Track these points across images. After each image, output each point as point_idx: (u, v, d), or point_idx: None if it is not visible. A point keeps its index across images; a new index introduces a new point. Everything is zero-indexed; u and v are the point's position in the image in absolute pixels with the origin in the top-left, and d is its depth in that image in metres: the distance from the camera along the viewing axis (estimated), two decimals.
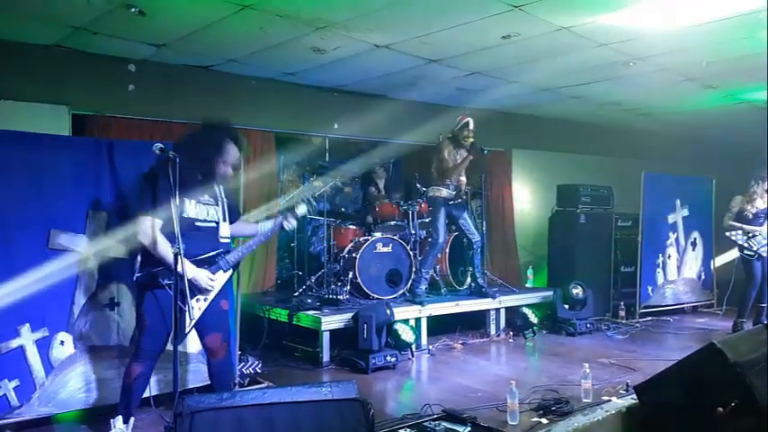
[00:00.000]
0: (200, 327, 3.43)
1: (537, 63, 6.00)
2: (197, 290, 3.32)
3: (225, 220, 3.52)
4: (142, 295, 3.34)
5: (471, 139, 6.02)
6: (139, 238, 3.24)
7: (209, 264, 3.39)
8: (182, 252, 3.07)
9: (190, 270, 3.25)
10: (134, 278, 3.33)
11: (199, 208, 3.39)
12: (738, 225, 6.27)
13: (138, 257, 3.32)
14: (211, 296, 3.40)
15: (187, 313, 3.21)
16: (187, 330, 3.27)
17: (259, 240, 3.70)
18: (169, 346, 3.33)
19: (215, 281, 3.38)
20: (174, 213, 3.12)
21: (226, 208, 3.54)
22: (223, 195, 3.55)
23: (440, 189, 6.10)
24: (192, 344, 4.12)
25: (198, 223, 3.37)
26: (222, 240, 3.49)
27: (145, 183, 3.34)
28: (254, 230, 3.75)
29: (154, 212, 3.22)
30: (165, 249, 3.20)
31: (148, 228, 3.21)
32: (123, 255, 3.92)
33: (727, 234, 6.34)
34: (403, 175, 8.16)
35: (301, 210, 3.73)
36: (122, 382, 3.43)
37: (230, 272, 3.50)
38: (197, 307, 3.32)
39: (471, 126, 6.05)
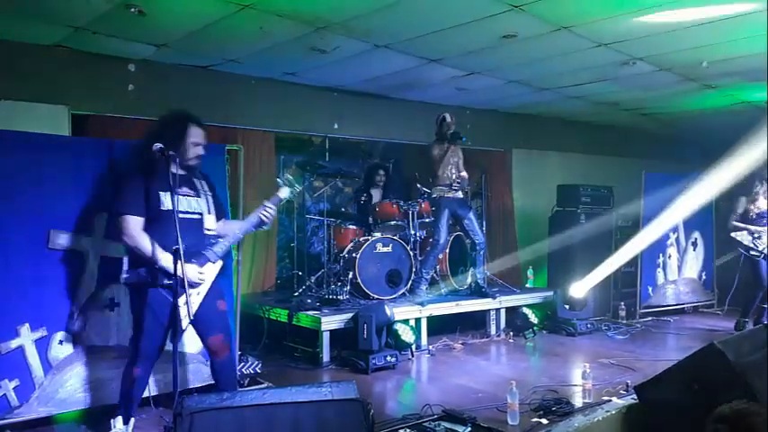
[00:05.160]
0: (201, 328, 3.42)
1: (537, 63, 5.99)
2: (189, 285, 3.26)
3: (210, 213, 3.47)
4: (135, 296, 3.32)
5: (450, 131, 6.10)
6: (123, 238, 3.22)
7: (196, 257, 3.32)
8: (182, 250, 3.04)
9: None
10: (121, 280, 3.30)
11: (179, 200, 3.25)
12: (743, 225, 6.28)
13: (126, 258, 3.29)
14: (204, 289, 3.34)
15: (183, 310, 3.17)
16: (184, 327, 3.23)
17: (245, 229, 3.55)
18: (168, 346, 3.32)
19: (204, 273, 3.33)
20: (174, 212, 3.12)
21: (210, 201, 3.48)
22: (206, 189, 3.50)
23: (444, 189, 6.11)
24: (192, 344, 4.12)
25: (180, 215, 3.25)
26: (208, 233, 3.45)
27: (120, 182, 3.32)
28: (239, 223, 3.64)
29: (132, 210, 3.20)
30: (147, 248, 3.17)
31: (129, 227, 3.19)
32: (123, 255, 3.92)
33: (732, 235, 6.34)
34: (403, 175, 8.16)
35: (283, 193, 3.56)
36: (121, 384, 3.42)
37: (220, 263, 3.42)
38: (191, 302, 3.25)
39: (448, 119, 6.17)
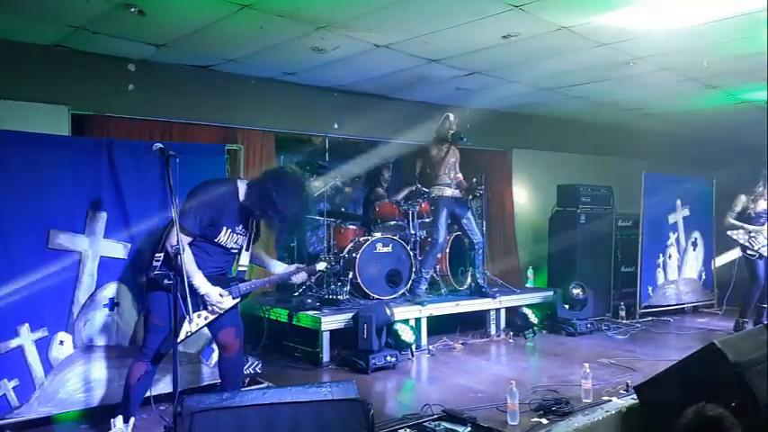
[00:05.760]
0: (213, 323, 3.46)
1: (537, 63, 5.99)
2: (203, 305, 3.35)
3: (247, 250, 3.57)
4: (153, 295, 3.35)
5: (451, 131, 6.09)
6: (167, 244, 3.26)
7: (223, 285, 3.43)
8: (182, 251, 3.08)
9: (204, 286, 3.30)
10: (150, 274, 3.30)
11: (231, 237, 3.44)
12: (740, 224, 6.28)
13: (161, 255, 3.30)
14: (213, 316, 3.42)
15: (187, 322, 3.22)
16: (181, 338, 3.26)
17: (274, 281, 3.88)
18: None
19: (223, 303, 3.41)
20: (174, 214, 3.13)
21: (251, 237, 3.59)
22: (253, 225, 3.58)
23: (442, 188, 6.11)
24: (193, 344, 4.12)
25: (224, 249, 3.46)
26: (240, 268, 3.57)
27: (196, 196, 3.34)
28: (270, 265, 3.82)
29: (187, 229, 3.24)
30: (188, 264, 3.21)
31: (178, 241, 3.19)
32: (123, 255, 3.93)
33: (729, 233, 6.34)
34: (403, 175, 8.16)
35: (320, 266, 3.91)
36: (125, 381, 3.43)
37: (238, 300, 3.53)
38: (196, 322, 3.32)
39: (451, 119, 6.17)
